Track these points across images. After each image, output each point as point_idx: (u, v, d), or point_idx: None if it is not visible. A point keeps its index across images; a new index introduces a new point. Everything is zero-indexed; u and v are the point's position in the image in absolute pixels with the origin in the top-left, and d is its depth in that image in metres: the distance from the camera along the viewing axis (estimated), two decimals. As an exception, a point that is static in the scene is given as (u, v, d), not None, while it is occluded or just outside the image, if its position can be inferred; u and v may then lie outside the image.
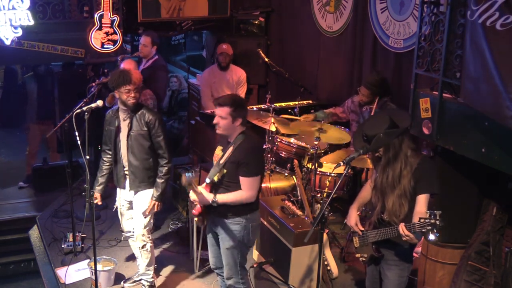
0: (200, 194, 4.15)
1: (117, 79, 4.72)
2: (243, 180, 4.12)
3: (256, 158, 4.20)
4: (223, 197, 4.14)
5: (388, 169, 3.82)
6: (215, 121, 4.14)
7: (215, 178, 4.16)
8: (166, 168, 4.89)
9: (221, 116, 4.09)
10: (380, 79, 5.79)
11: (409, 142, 3.84)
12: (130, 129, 4.81)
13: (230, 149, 4.12)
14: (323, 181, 5.72)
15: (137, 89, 4.77)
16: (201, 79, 7.77)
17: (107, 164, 5.06)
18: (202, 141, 7.32)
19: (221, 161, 4.14)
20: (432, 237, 3.50)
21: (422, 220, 3.54)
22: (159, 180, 4.90)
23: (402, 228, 3.66)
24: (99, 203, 5.07)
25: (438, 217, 3.49)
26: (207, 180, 4.20)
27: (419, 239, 3.73)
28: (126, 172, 4.94)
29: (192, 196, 4.22)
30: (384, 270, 4.07)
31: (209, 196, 4.14)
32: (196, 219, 4.31)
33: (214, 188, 4.21)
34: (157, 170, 4.91)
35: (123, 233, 5.35)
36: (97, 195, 5.02)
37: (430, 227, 3.49)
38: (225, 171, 4.12)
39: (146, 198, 4.93)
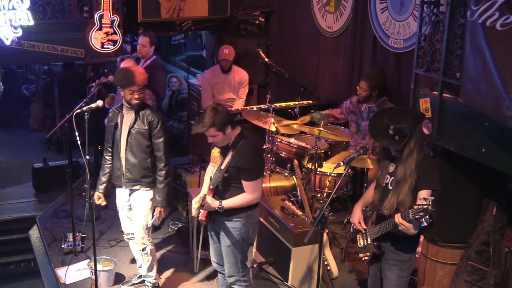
0: (207, 203, 4.17)
1: (121, 80, 4.71)
2: (246, 184, 4.15)
3: (256, 161, 4.22)
4: (229, 203, 4.18)
5: (408, 159, 3.84)
6: (210, 141, 4.17)
7: (218, 184, 4.20)
8: (164, 171, 4.86)
9: (212, 136, 4.12)
10: (379, 71, 5.87)
11: (418, 134, 3.94)
12: (131, 126, 4.80)
13: (230, 154, 4.14)
14: (323, 181, 5.72)
15: (141, 90, 4.74)
16: (203, 79, 7.77)
17: (109, 162, 5.01)
18: (202, 141, 7.25)
19: (222, 167, 4.16)
20: (424, 223, 3.59)
21: (415, 207, 3.62)
22: (159, 186, 4.87)
23: (397, 217, 3.74)
24: (103, 203, 5.03)
25: (430, 202, 3.56)
26: (210, 187, 4.23)
27: (417, 229, 3.76)
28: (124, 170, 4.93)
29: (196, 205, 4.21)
30: (385, 269, 4.09)
31: (215, 204, 4.17)
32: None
33: (217, 192, 4.24)
34: (154, 171, 4.87)
35: (123, 235, 5.34)
36: (100, 194, 4.98)
37: (422, 213, 3.56)
38: (226, 175, 4.15)
39: (142, 199, 4.90)
